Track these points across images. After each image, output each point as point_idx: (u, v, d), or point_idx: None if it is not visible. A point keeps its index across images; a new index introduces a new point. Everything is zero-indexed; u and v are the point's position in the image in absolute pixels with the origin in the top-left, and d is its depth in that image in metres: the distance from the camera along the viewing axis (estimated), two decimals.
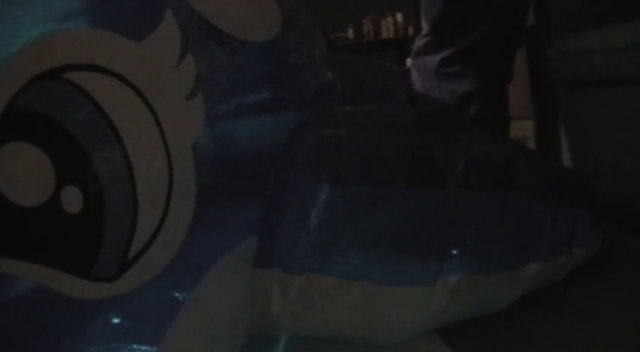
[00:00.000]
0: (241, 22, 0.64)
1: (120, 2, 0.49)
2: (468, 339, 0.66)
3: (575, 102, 1.18)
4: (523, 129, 1.58)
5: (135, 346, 0.47)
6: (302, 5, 0.87)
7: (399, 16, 4.16)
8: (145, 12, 0.51)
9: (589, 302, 0.73)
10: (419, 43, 1.24)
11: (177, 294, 0.50)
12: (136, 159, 0.45)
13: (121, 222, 0.45)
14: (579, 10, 1.15)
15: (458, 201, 0.64)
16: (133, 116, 0.46)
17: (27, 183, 0.43)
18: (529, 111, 1.58)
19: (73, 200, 0.43)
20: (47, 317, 0.44)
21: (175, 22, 0.52)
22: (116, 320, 0.46)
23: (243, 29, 0.64)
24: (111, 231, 0.45)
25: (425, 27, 1.21)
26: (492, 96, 1.28)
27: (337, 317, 0.64)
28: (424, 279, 0.62)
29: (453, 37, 1.19)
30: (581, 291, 0.74)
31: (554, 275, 0.73)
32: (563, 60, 1.16)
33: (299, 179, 0.63)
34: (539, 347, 0.65)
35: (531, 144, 1.54)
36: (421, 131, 0.73)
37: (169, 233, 0.49)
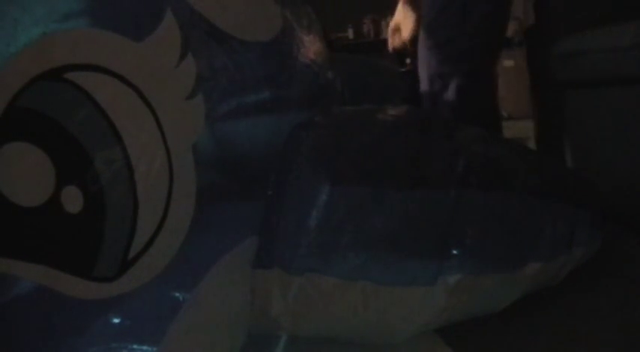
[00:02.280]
0: (242, 23, 0.64)
1: (120, 3, 0.49)
2: (468, 339, 0.66)
3: (575, 102, 1.18)
4: (523, 129, 1.58)
5: (135, 346, 0.47)
6: (302, 5, 0.87)
7: None
8: (145, 12, 0.51)
9: (589, 302, 0.73)
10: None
11: (177, 294, 0.50)
12: (136, 159, 0.45)
13: (122, 222, 0.45)
14: (579, 10, 1.15)
15: (458, 201, 0.64)
16: (133, 116, 0.46)
17: (27, 183, 0.43)
18: (529, 111, 1.58)
19: (73, 200, 0.43)
20: (47, 317, 0.44)
21: (175, 22, 0.52)
22: (116, 320, 0.46)
23: (243, 29, 0.64)
24: (111, 231, 0.45)
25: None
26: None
27: (337, 317, 0.64)
28: (424, 279, 0.62)
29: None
30: (581, 291, 0.74)
31: (554, 276, 0.73)
32: (564, 60, 1.16)
33: (299, 179, 0.63)
34: (539, 347, 0.65)
35: (531, 144, 1.54)
36: (421, 131, 0.73)
37: (169, 233, 0.49)
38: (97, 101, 0.44)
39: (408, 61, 1.53)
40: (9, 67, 0.43)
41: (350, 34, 4.26)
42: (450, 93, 1.21)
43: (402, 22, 1.42)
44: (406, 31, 1.42)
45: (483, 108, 1.26)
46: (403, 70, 1.55)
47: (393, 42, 1.48)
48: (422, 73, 1.25)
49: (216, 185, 0.54)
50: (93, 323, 0.45)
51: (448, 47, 1.21)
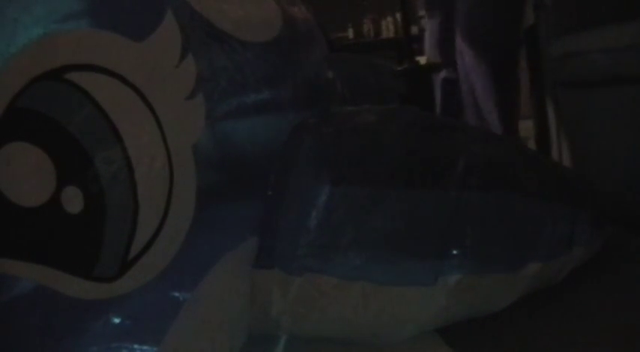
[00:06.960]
0: (242, 23, 0.64)
1: (120, 3, 0.49)
2: (468, 339, 0.66)
3: (575, 102, 1.18)
4: (523, 129, 1.58)
5: (135, 346, 0.47)
6: (302, 5, 0.87)
7: (399, 16, 4.17)
8: (145, 12, 0.51)
9: (589, 302, 0.73)
10: None
11: (177, 294, 0.50)
12: (137, 159, 0.45)
13: (122, 222, 0.45)
14: (579, 10, 1.15)
15: (458, 201, 0.65)
16: (134, 116, 0.46)
17: (28, 184, 0.43)
18: (529, 111, 1.59)
19: (73, 200, 0.43)
20: (47, 317, 0.44)
21: (176, 22, 0.52)
22: (117, 320, 0.46)
23: (243, 29, 0.64)
24: (111, 231, 0.45)
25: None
26: None
27: (337, 317, 0.64)
28: (424, 279, 0.62)
29: None
30: (581, 291, 0.74)
31: (554, 276, 0.73)
32: (563, 60, 1.16)
33: (299, 179, 0.63)
34: (539, 347, 0.65)
35: (531, 144, 1.54)
36: (421, 131, 0.73)
37: (170, 233, 0.49)
38: (97, 101, 0.44)
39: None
40: (9, 67, 0.43)
41: (350, 34, 4.27)
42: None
43: None
44: None
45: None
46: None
47: None
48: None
49: (216, 185, 0.54)
50: (93, 324, 0.45)
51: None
